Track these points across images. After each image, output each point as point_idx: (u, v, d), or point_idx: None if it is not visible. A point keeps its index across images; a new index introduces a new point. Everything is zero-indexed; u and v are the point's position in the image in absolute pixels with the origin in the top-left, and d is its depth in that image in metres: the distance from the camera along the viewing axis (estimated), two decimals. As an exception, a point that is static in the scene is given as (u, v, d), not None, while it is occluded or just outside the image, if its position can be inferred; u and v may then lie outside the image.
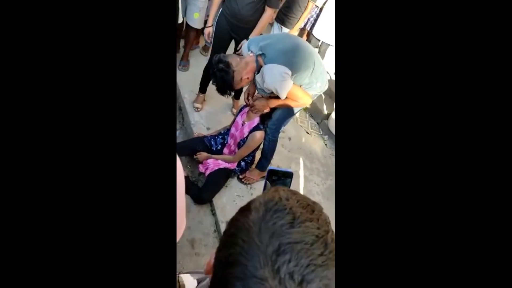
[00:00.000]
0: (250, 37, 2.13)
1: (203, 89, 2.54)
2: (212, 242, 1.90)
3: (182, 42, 3.05)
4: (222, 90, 1.79)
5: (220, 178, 2.07)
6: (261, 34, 2.25)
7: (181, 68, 2.93)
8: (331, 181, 2.48)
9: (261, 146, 2.09)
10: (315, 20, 2.95)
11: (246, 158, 2.14)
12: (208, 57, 2.75)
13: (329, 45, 2.97)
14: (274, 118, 1.95)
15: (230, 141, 2.16)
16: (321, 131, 2.99)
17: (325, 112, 3.02)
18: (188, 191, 1.94)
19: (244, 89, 2.07)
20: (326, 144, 2.87)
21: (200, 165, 2.14)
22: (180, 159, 0.53)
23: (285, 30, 2.81)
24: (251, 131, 1.98)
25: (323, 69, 1.80)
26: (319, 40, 2.96)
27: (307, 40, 3.01)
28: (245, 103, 2.07)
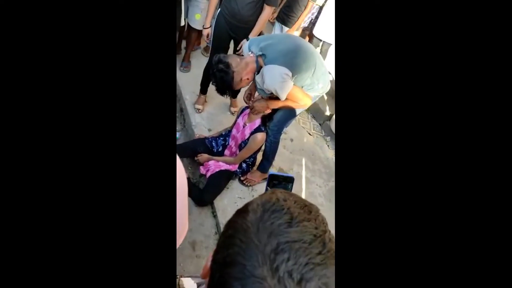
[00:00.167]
0: (250, 36, 2.13)
1: (203, 90, 2.54)
2: (213, 244, 1.89)
3: (183, 43, 3.05)
4: (221, 91, 1.79)
5: (221, 180, 2.06)
6: (260, 33, 2.25)
7: (183, 69, 2.93)
8: (333, 183, 2.46)
9: (263, 148, 2.08)
10: (316, 19, 2.95)
11: (248, 160, 2.14)
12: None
13: (331, 44, 2.96)
14: (276, 120, 1.94)
15: (231, 142, 2.16)
16: (323, 132, 2.98)
17: (328, 113, 3.01)
18: (189, 193, 1.93)
19: (244, 89, 2.07)
20: (328, 146, 2.85)
21: (201, 167, 2.14)
22: (182, 160, 0.54)
23: (286, 29, 2.81)
24: (252, 133, 1.97)
25: (324, 70, 1.79)
26: (320, 40, 2.96)
27: (309, 40, 3.00)
28: (245, 104, 2.06)
